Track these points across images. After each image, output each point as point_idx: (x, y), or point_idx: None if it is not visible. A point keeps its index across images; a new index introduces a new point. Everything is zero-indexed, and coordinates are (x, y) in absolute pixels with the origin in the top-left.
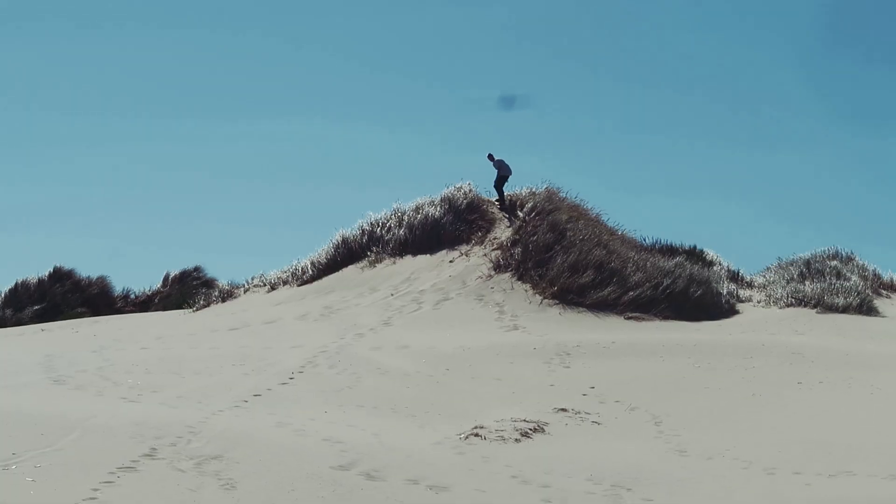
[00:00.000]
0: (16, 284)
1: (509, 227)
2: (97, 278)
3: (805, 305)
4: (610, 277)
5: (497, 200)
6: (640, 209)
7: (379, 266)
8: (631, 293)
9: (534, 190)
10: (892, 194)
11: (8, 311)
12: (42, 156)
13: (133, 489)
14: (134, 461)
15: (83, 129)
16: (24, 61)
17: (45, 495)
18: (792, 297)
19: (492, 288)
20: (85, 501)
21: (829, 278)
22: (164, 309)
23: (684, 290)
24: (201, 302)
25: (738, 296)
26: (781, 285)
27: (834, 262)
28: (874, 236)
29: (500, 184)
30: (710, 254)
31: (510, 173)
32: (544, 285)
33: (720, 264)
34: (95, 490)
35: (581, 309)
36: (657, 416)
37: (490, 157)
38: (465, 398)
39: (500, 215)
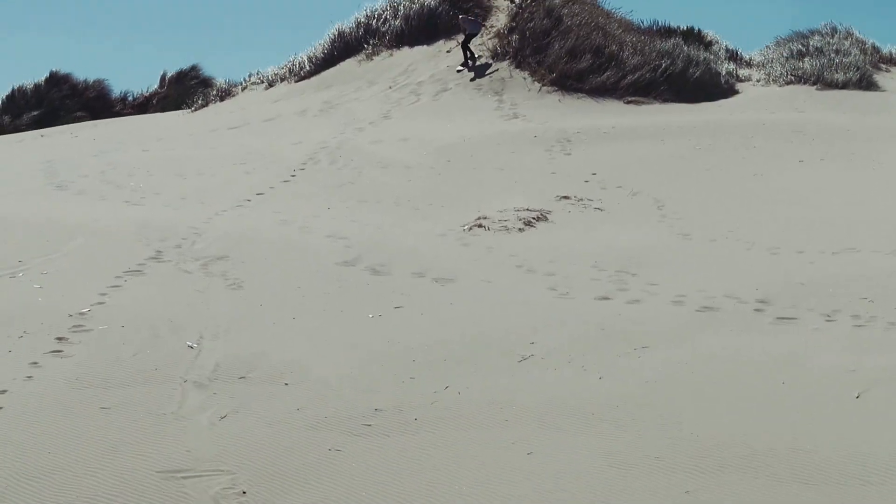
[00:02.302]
0: (12, 90)
1: (506, 14)
2: (94, 81)
3: (805, 82)
4: (608, 62)
5: (462, 63)
6: None
7: (376, 59)
8: (630, 77)
9: None
10: None
11: (6, 118)
12: None
13: (141, 292)
14: (140, 264)
15: None
16: None
17: (54, 301)
18: (791, 75)
19: (490, 77)
20: (93, 306)
21: (829, 54)
22: (163, 110)
23: (683, 72)
24: (199, 102)
25: (737, 75)
26: (780, 63)
27: (833, 38)
28: (873, 9)
29: (466, 42)
30: (708, 34)
31: (478, 31)
32: (543, 72)
33: (718, 44)
34: (103, 294)
35: (580, 95)
36: (659, 199)
37: (461, 18)
38: (467, 189)
39: (499, 2)
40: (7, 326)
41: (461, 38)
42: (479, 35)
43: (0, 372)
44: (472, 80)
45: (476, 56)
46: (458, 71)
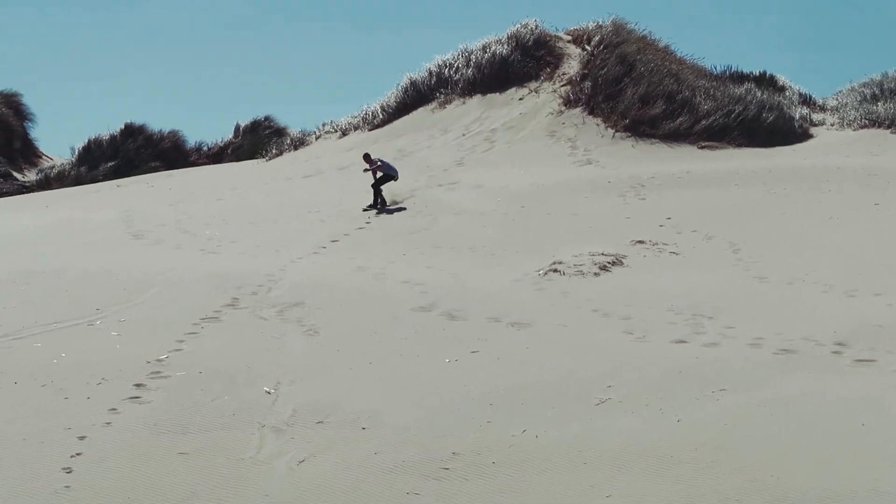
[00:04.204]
0: (88, 142)
1: (578, 61)
2: (169, 132)
3: (879, 126)
4: (681, 107)
5: (370, 205)
6: (706, 37)
7: (449, 107)
8: (703, 122)
9: (600, 23)
10: None
11: (83, 169)
12: (109, 9)
13: (218, 339)
14: (217, 311)
15: None
16: None
17: (131, 348)
18: (865, 119)
19: (563, 123)
20: (170, 353)
21: None
22: (237, 160)
23: (756, 117)
24: (274, 151)
25: (811, 120)
26: (854, 107)
27: None
28: None
29: (380, 183)
30: (781, 79)
31: (396, 176)
32: (615, 118)
33: (791, 89)
34: (180, 341)
35: (653, 140)
36: (735, 243)
37: (366, 157)
38: (541, 235)
39: (570, 50)
40: (85, 373)
41: (533, 84)
42: (396, 180)
43: (79, 418)
44: (376, 214)
45: (386, 202)
46: (365, 210)
